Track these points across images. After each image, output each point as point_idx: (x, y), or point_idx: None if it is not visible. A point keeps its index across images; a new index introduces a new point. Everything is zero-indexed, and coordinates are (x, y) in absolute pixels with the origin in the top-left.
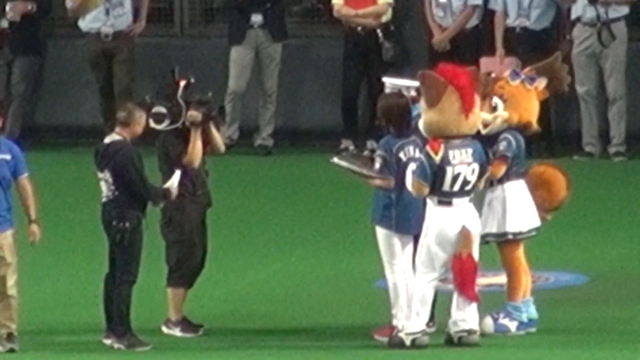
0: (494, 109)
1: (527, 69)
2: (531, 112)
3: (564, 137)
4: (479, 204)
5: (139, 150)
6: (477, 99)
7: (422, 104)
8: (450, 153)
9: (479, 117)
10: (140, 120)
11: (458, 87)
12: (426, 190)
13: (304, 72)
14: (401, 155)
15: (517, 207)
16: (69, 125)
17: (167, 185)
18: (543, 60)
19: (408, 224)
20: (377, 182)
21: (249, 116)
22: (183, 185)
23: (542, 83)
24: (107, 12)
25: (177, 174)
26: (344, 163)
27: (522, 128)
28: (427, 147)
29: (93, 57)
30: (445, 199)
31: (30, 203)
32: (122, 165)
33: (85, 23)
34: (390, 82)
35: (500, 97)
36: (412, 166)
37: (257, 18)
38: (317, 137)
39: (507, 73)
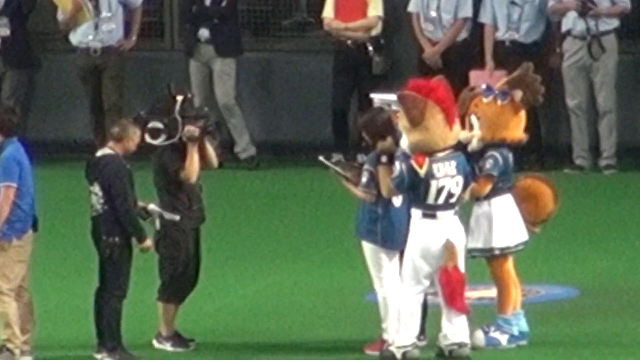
0: (471, 127)
1: (499, 83)
2: (505, 127)
3: (554, 150)
4: (467, 218)
5: (128, 168)
6: (455, 108)
7: (404, 124)
8: (435, 166)
9: (459, 127)
10: (134, 136)
11: (437, 101)
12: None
13: (292, 85)
14: None
15: (504, 223)
16: (60, 140)
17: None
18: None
19: (394, 239)
20: (360, 193)
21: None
22: (179, 200)
23: (517, 95)
24: (96, 27)
25: (173, 217)
26: (329, 164)
27: (499, 144)
28: (412, 161)
29: (82, 72)
30: (429, 212)
31: None
32: (109, 179)
33: (76, 37)
34: (378, 98)
35: (476, 114)
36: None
37: (203, 33)
38: (306, 150)
39: (479, 90)
